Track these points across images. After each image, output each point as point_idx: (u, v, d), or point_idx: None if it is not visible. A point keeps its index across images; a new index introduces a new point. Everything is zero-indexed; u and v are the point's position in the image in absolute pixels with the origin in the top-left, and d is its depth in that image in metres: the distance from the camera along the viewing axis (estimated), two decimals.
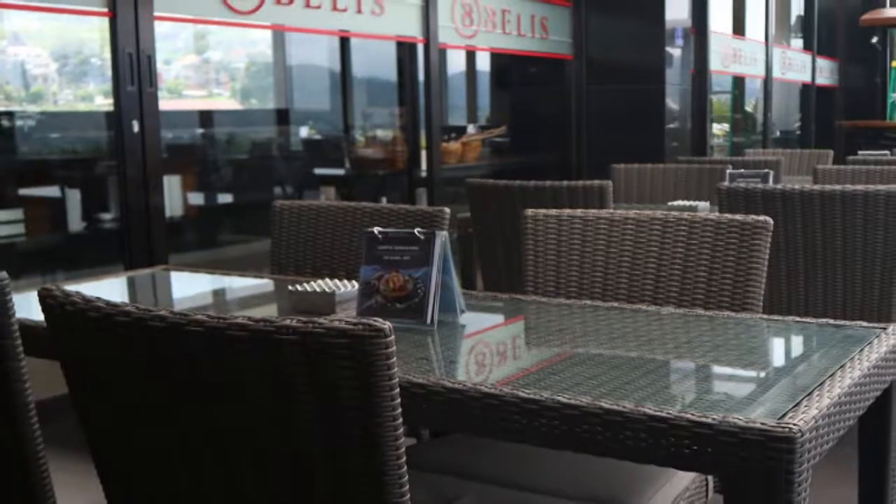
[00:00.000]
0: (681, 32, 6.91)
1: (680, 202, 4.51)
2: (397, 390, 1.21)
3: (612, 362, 1.73)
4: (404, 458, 1.24)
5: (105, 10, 3.65)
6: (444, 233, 2.04)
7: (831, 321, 1.97)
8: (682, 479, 2.00)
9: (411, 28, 5.25)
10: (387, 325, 1.18)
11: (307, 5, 4.53)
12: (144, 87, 3.75)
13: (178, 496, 1.43)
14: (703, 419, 1.34)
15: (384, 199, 5.79)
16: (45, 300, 1.40)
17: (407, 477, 1.25)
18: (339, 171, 6.34)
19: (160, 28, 3.82)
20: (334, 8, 4.68)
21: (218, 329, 1.23)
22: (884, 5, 11.82)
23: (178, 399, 1.34)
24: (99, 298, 1.34)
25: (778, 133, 10.07)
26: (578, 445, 1.43)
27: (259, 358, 1.23)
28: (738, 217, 2.32)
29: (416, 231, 2.02)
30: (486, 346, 1.96)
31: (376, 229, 2.05)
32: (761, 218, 2.29)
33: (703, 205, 4.23)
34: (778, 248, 3.34)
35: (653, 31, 6.65)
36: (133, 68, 3.72)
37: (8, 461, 1.73)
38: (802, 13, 10.85)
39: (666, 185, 5.16)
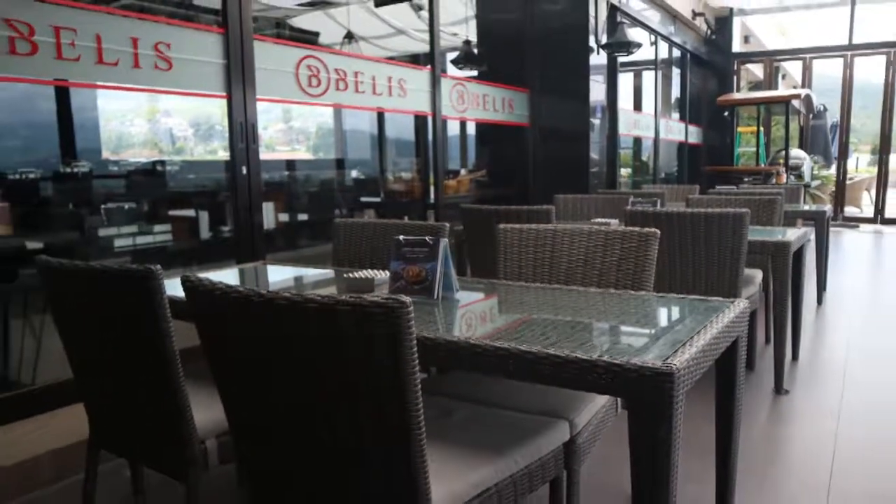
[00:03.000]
0: (599, 108, 6.89)
1: (600, 220, 4.38)
2: (415, 342, 1.21)
3: (555, 324, 1.71)
4: (419, 385, 1.24)
5: (224, 93, 3.65)
6: (445, 239, 2.03)
7: (698, 297, 1.96)
8: (601, 400, 2.00)
9: (424, 105, 5.23)
10: (408, 299, 1.18)
11: (356, 91, 4.52)
12: (250, 144, 3.73)
13: (267, 415, 1.44)
14: (614, 361, 1.34)
15: (406, 218, 5.79)
16: (185, 283, 1.41)
17: (421, 398, 1.25)
18: (377, 199, 6.31)
19: (261, 106, 3.81)
20: (374, 93, 4.67)
21: (297, 302, 1.23)
22: (732, 91, 11.82)
23: (270, 349, 1.34)
24: (221, 282, 1.34)
25: (663, 174, 10.04)
26: (534, 378, 1.42)
27: (324, 322, 1.23)
28: (636, 229, 2.31)
29: (426, 238, 2.02)
30: (473, 314, 1.95)
31: (401, 236, 2.05)
32: (652, 230, 2.28)
33: (615, 221, 4.12)
34: (663, 249, 3.33)
35: (581, 107, 6.62)
36: (242, 132, 3.70)
37: (159, 390, 1.74)
38: (679, 95, 10.85)
39: (590, 208, 5.13)
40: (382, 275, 2.18)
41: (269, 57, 3.92)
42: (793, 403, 3.39)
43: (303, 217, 6.21)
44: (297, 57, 4.13)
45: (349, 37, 6.40)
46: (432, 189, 5.51)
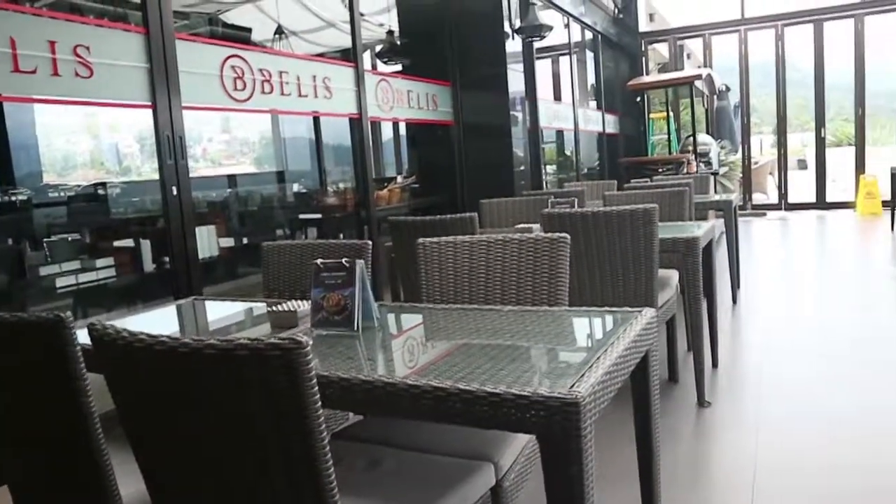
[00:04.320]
0: (520, 100, 6.60)
1: (523, 224, 4.18)
2: (315, 380, 1.13)
3: (470, 351, 1.60)
4: (323, 419, 1.15)
5: (148, 102, 3.38)
6: (361, 261, 1.89)
7: (609, 308, 1.85)
8: (524, 437, 1.84)
9: (351, 107, 4.97)
10: (305, 338, 1.11)
11: (282, 93, 4.29)
12: (178, 160, 3.43)
13: (179, 470, 1.32)
14: (522, 392, 1.25)
15: (341, 235, 5.50)
16: (92, 331, 1.28)
17: (325, 432, 1.16)
18: (318, 216, 5.94)
19: (201, 116, 3.54)
20: (299, 95, 4.44)
21: (197, 349, 1.14)
22: (642, 74, 11.73)
23: (178, 399, 1.24)
24: (125, 329, 1.23)
25: (586, 169, 9.92)
26: (447, 417, 1.31)
27: (225, 365, 1.15)
28: (546, 235, 2.19)
29: (343, 260, 1.90)
30: (395, 346, 1.82)
31: (319, 261, 1.92)
32: (562, 235, 2.17)
33: (537, 226, 3.77)
34: (580, 253, 3.18)
35: (501, 99, 6.35)
36: (170, 146, 3.41)
37: (77, 459, 1.53)
38: (594, 82, 10.51)
39: (515, 212, 4.93)
40: (306, 306, 2.02)
41: (193, 58, 3.64)
42: (714, 416, 3.25)
43: (248, 240, 5.77)
44: (220, 57, 3.86)
45: (279, 32, 6.11)
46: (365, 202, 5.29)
